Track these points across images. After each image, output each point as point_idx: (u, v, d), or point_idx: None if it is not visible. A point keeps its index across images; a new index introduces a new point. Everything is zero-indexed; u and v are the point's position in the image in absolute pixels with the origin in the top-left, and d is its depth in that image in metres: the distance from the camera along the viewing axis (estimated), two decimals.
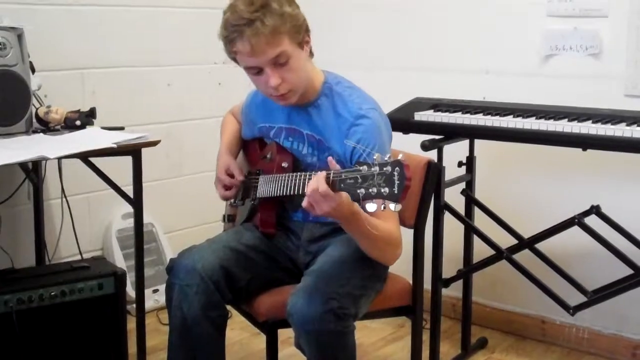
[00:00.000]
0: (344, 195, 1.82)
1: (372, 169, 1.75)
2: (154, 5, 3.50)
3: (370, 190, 1.74)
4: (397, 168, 1.72)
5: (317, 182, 1.84)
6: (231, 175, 2.43)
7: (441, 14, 3.34)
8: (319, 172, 1.87)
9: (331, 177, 1.83)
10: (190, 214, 3.70)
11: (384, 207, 1.75)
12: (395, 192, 1.71)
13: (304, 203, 1.89)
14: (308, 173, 2.06)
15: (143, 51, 3.48)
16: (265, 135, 2.40)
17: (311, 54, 2.21)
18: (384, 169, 1.73)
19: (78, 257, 3.07)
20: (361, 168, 1.77)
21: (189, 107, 3.69)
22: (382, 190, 1.72)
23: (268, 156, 2.36)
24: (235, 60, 2.15)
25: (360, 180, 1.76)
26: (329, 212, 1.87)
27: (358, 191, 1.76)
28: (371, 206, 1.76)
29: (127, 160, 2.60)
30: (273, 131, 2.36)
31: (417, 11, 3.40)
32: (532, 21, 3.09)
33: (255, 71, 2.12)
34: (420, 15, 3.39)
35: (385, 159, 1.75)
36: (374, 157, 1.76)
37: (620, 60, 2.92)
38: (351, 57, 3.47)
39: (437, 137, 2.75)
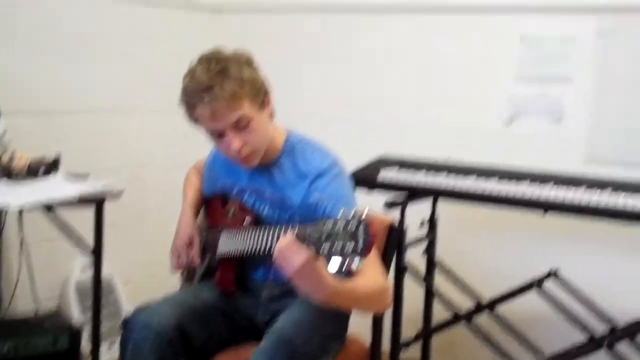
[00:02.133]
0: (310, 251, 1.81)
1: (337, 224, 1.74)
2: (123, 52, 3.52)
3: (334, 246, 1.73)
4: (361, 223, 1.71)
5: (285, 238, 1.82)
6: (189, 246, 2.40)
7: (410, 72, 3.39)
8: (284, 229, 1.86)
9: (295, 233, 1.81)
10: (151, 264, 3.64)
11: (347, 263, 1.73)
12: (360, 247, 1.70)
13: (273, 262, 1.87)
14: (271, 230, 2.05)
15: (110, 97, 3.48)
16: (228, 192, 2.40)
17: (272, 114, 2.22)
18: (349, 224, 1.72)
19: (35, 309, 3.00)
20: (325, 223, 1.76)
21: (155, 154, 3.68)
22: (347, 246, 1.71)
23: (230, 213, 2.35)
24: (196, 124, 2.15)
25: (324, 236, 1.75)
26: (299, 270, 1.83)
27: (321, 247, 1.75)
28: (334, 261, 1.74)
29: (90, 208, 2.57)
30: (235, 189, 2.35)
31: (386, 68, 3.44)
32: (499, 83, 3.15)
33: (217, 135, 2.13)
34: (389, 72, 3.44)
35: (351, 213, 1.74)
36: (339, 213, 1.76)
37: (581, 126, 2.97)
38: (315, 114, 3.49)
39: (401, 196, 2.77)
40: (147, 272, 3.63)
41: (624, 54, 2.91)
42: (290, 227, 1.85)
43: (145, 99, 3.61)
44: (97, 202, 2.56)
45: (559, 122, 3.02)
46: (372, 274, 2.03)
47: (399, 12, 3.41)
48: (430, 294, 2.98)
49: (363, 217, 1.71)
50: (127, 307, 3.41)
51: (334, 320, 2.14)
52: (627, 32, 2.90)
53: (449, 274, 2.92)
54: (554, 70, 3.02)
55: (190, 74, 2.10)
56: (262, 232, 2.12)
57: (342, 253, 1.71)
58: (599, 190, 2.51)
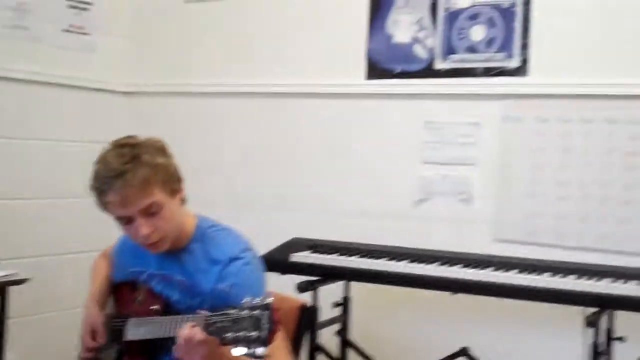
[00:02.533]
0: (214, 339, 1.80)
1: (242, 312, 1.75)
2: (28, 134, 3.47)
3: (238, 334, 1.74)
4: (266, 312, 1.72)
5: (187, 328, 1.81)
6: (94, 338, 2.35)
7: (320, 156, 3.45)
8: (189, 317, 1.85)
9: (201, 322, 1.81)
10: (59, 353, 3.53)
11: (252, 352, 1.74)
12: (263, 336, 1.71)
13: (176, 352, 1.85)
14: (179, 317, 2.02)
15: (16, 183, 3.42)
16: (137, 279, 2.36)
17: (184, 201, 2.22)
18: (253, 312, 1.73)
19: None
20: (231, 312, 1.77)
21: (62, 240, 3.60)
22: (250, 334, 1.72)
23: (139, 299, 2.31)
24: (106, 210, 2.13)
25: (229, 324, 1.75)
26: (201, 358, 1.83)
27: (226, 335, 1.75)
28: (239, 350, 1.75)
29: None
30: (144, 276, 2.32)
31: (296, 152, 3.50)
32: (407, 167, 3.23)
33: (126, 221, 2.11)
34: (299, 155, 3.49)
35: (256, 302, 1.75)
36: (244, 301, 1.77)
37: (488, 206, 3.06)
38: (227, 198, 3.51)
39: (313, 278, 2.78)
40: None
41: (525, 138, 3.03)
42: (197, 315, 1.84)
43: (52, 184, 3.56)
44: (1, 290, 2.49)
45: (467, 203, 3.11)
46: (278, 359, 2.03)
47: (306, 97, 3.49)
48: None
49: (267, 305, 1.72)
50: None
51: None
52: (529, 118, 3.03)
53: (362, 354, 2.93)
54: (460, 154, 3.12)
55: (102, 159, 2.08)
56: (170, 319, 2.09)
57: (246, 342, 1.72)
58: (505, 271, 2.58)
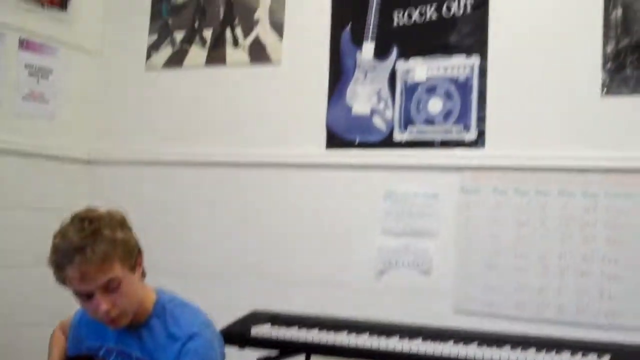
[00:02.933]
0: None
1: None
2: None
3: None
4: None
5: None
6: None
7: (279, 226, 3.44)
8: None
9: None
10: None
11: None
12: None
13: None
14: None
15: None
16: (94, 354, 2.32)
17: (143, 275, 2.20)
18: None
19: None
20: None
21: (16, 312, 3.52)
22: None
23: None
24: (64, 284, 2.10)
25: None
26: None
27: None
28: None
29: None
30: (102, 351, 2.28)
31: (254, 222, 3.49)
32: (368, 237, 3.24)
33: (85, 296, 2.08)
34: (257, 226, 3.48)
35: None
36: None
37: (448, 277, 3.08)
38: (189, 268, 3.49)
39: (273, 352, 2.76)
40: None
41: (483, 210, 3.07)
42: None
43: (7, 252, 3.49)
44: None
45: (427, 275, 3.12)
46: None
47: (266, 167, 3.50)
48: None
49: None
50: None
51: None
52: (485, 189, 3.07)
53: None
54: (420, 225, 3.15)
55: (62, 233, 2.06)
56: None
57: None
58: (465, 344, 2.59)
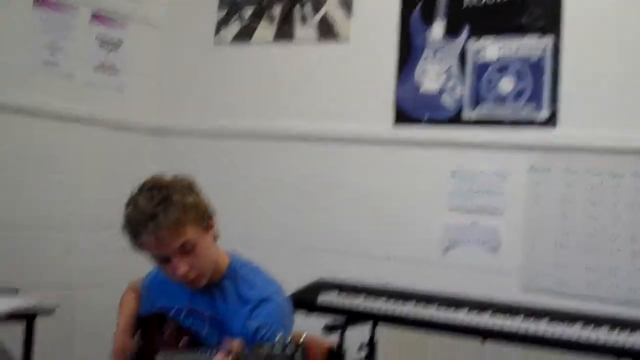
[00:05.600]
0: None
1: (274, 349, 1.73)
2: (53, 170, 3.49)
3: None
4: (299, 348, 1.70)
5: (221, 357, 1.79)
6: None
7: (348, 199, 3.44)
8: (221, 351, 1.82)
9: (232, 357, 1.78)
10: None
11: None
12: None
13: None
14: (209, 350, 2.00)
15: (41, 213, 3.42)
16: (166, 313, 2.35)
17: (216, 236, 2.22)
18: (286, 350, 1.71)
19: None
20: (263, 349, 1.74)
21: (90, 272, 3.58)
22: None
23: (167, 333, 2.29)
24: (141, 250, 2.13)
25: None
26: None
27: None
28: None
29: (18, 328, 2.47)
30: (174, 310, 2.31)
31: (325, 196, 3.50)
32: (435, 214, 3.23)
33: (163, 260, 2.11)
34: (328, 200, 3.49)
35: (288, 339, 1.74)
36: (276, 339, 1.75)
37: (516, 255, 3.04)
38: (257, 237, 3.49)
39: (339, 320, 2.76)
40: None
41: (553, 189, 3.03)
42: (228, 348, 1.82)
43: (80, 215, 3.56)
44: (28, 318, 2.47)
45: (494, 252, 3.09)
46: None
47: (334, 142, 3.51)
48: None
49: (300, 342, 1.71)
50: None
51: None
52: (556, 169, 3.03)
53: None
54: (487, 203, 3.12)
55: (133, 202, 2.09)
56: (199, 352, 2.06)
57: None
58: (536, 320, 2.55)
